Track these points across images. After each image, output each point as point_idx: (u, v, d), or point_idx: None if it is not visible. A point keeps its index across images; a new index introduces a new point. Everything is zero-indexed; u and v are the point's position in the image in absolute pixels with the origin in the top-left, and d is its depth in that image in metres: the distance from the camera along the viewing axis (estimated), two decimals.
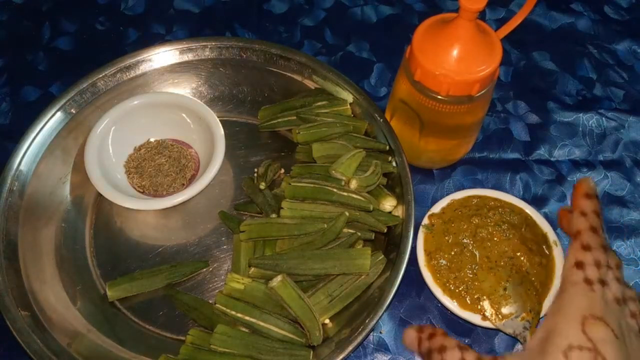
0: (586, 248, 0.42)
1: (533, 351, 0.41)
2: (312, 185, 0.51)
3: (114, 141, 0.57)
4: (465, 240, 0.50)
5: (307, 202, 0.51)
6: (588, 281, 0.40)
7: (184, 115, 0.58)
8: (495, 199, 0.53)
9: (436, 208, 0.53)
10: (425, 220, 0.52)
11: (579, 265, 0.41)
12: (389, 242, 0.52)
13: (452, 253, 0.50)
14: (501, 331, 0.47)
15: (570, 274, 0.42)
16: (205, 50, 0.60)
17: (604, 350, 0.38)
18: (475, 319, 0.48)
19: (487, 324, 0.47)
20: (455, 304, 0.48)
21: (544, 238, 0.51)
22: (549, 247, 0.51)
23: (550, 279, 0.49)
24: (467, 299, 0.48)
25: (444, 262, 0.50)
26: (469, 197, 0.53)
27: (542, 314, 0.48)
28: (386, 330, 0.52)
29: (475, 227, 0.51)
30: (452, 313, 0.49)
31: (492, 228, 0.50)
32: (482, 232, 0.50)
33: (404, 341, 0.48)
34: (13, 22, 0.71)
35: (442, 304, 0.50)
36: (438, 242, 0.51)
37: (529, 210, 0.52)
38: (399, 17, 0.72)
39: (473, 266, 0.49)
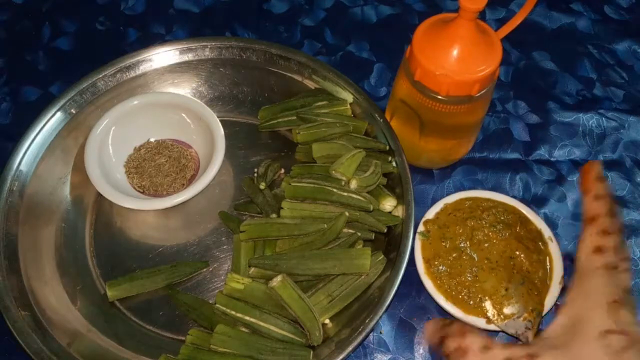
0: (605, 233, 0.42)
1: (558, 339, 0.40)
2: (312, 185, 0.51)
3: (114, 141, 0.57)
4: (462, 245, 0.50)
5: (307, 202, 0.51)
6: (608, 266, 0.40)
7: (184, 115, 0.58)
8: (487, 200, 0.53)
9: (430, 214, 0.52)
10: (421, 227, 0.52)
11: (599, 250, 0.41)
12: (389, 242, 0.52)
13: (451, 258, 0.50)
14: (503, 332, 0.47)
15: (590, 260, 0.41)
16: (205, 50, 0.60)
17: (632, 331, 0.38)
18: (480, 322, 0.47)
19: (491, 327, 0.47)
20: (459, 310, 0.48)
21: (539, 235, 0.51)
22: (545, 243, 0.51)
23: (549, 276, 0.49)
24: (470, 302, 0.48)
25: (444, 268, 0.50)
26: (462, 199, 0.53)
27: (543, 313, 0.47)
28: (386, 330, 0.52)
29: (471, 230, 0.50)
30: (452, 314, 0.49)
31: (488, 229, 0.50)
32: (479, 234, 0.50)
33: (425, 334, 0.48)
34: (13, 22, 0.71)
35: (446, 311, 0.49)
36: (435, 248, 0.51)
37: (522, 208, 0.52)
38: (399, 17, 0.72)
39: (473, 269, 0.49)
